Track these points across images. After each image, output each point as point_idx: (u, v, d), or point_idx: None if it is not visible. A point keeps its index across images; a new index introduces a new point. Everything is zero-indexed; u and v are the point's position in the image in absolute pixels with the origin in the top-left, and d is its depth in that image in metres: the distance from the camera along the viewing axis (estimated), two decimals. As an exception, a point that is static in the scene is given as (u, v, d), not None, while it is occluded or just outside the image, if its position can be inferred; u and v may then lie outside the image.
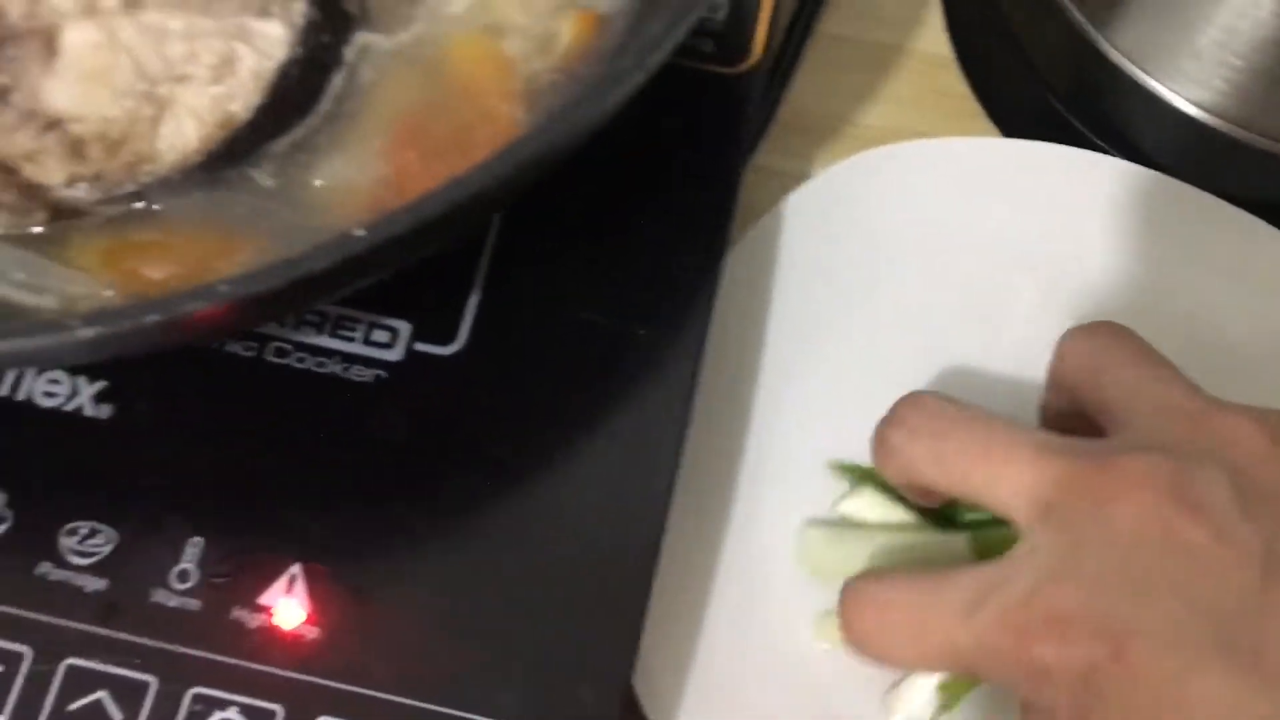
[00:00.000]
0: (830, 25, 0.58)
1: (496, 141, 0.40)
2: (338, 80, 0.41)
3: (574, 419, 0.43)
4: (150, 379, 0.42)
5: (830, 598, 0.40)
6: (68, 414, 0.42)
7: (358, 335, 0.44)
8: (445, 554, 0.41)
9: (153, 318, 0.29)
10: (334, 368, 0.43)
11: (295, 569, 0.41)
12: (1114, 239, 0.51)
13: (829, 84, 0.57)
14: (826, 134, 0.56)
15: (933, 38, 0.58)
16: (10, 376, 0.42)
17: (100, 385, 0.42)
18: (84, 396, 0.42)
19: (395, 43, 0.42)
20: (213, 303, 0.30)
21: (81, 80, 0.38)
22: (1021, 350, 0.46)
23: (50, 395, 0.42)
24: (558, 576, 0.41)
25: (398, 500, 0.42)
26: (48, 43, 0.38)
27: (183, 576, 0.40)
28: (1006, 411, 0.39)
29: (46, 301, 0.38)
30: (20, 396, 0.42)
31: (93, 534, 0.41)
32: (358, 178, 0.40)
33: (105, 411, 0.42)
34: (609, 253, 0.45)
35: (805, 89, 0.56)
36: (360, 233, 0.30)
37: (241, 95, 0.39)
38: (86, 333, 0.29)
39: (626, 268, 0.45)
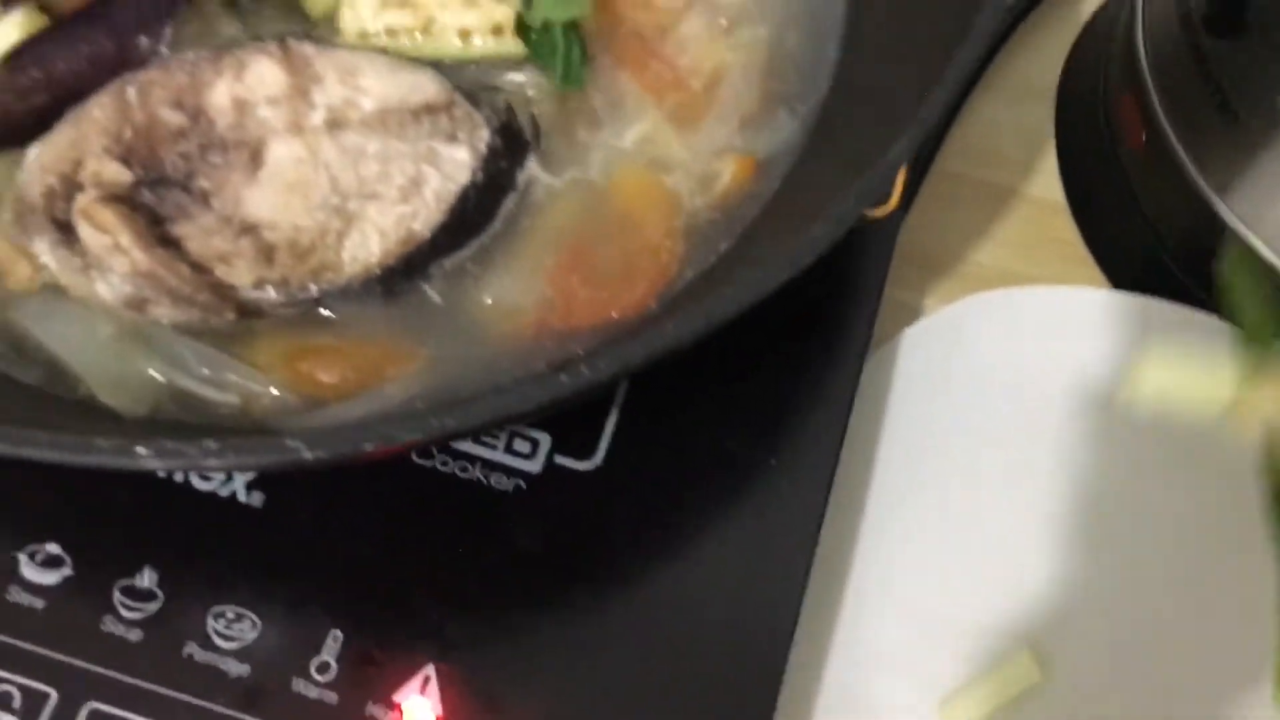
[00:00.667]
0: (947, 163, 0.60)
1: (656, 275, 0.43)
2: (510, 202, 0.43)
3: (705, 541, 0.45)
4: (301, 472, 0.44)
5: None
6: (222, 500, 0.43)
7: (500, 444, 0.45)
8: (573, 663, 0.43)
9: (369, 444, 0.31)
10: (476, 474, 0.45)
11: (429, 669, 0.42)
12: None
13: (943, 220, 0.58)
14: (938, 269, 0.58)
15: (1047, 184, 0.60)
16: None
17: (253, 474, 0.44)
18: (238, 483, 0.44)
19: (567, 172, 0.44)
20: (425, 434, 0.31)
21: (282, 191, 0.40)
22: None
23: (206, 480, 0.44)
24: (683, 691, 0.42)
25: (531, 607, 0.43)
26: (254, 154, 0.40)
27: (322, 669, 0.42)
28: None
29: (228, 398, 0.40)
30: (178, 478, 0.44)
31: (238, 619, 0.42)
32: (523, 298, 0.42)
33: (257, 500, 0.44)
34: (746, 383, 0.46)
35: (920, 223, 0.58)
36: (564, 378, 0.32)
37: (424, 215, 0.41)
38: (309, 455, 0.31)
39: (762, 398, 0.46)
